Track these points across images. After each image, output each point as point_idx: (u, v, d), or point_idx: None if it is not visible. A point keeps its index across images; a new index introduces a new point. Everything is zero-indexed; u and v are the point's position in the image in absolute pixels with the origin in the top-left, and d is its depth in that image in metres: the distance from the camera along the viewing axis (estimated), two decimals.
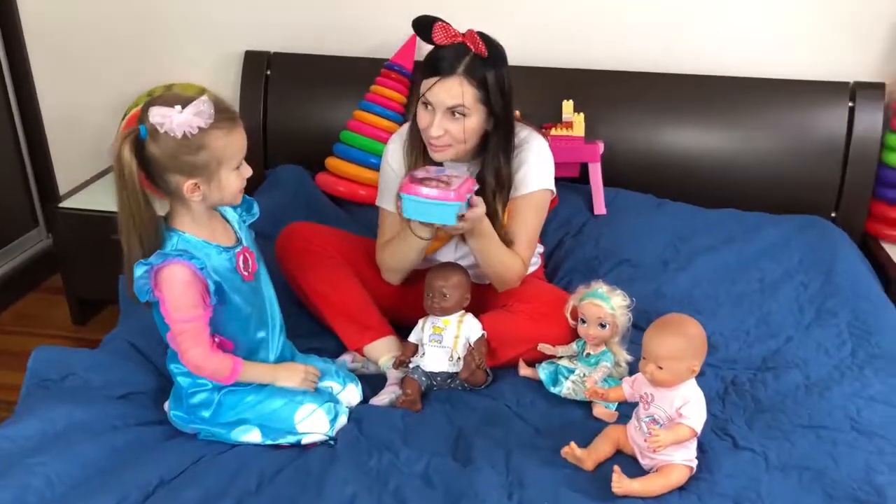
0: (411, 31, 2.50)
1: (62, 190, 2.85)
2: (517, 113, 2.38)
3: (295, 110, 2.63)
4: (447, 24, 1.65)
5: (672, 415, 1.38)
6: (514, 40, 2.50)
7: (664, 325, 1.40)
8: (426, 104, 1.66)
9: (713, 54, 2.47)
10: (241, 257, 1.51)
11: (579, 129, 2.34)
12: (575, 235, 2.26)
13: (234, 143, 1.40)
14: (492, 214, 1.70)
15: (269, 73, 2.64)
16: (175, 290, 1.40)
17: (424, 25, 1.66)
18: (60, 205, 2.58)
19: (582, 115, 2.35)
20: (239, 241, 1.53)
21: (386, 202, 1.84)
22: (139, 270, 1.39)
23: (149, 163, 1.37)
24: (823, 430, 1.50)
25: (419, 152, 1.77)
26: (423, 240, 1.68)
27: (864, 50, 2.41)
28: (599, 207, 2.33)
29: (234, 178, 1.43)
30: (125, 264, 1.44)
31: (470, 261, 1.84)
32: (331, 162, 2.49)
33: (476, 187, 1.62)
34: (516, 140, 1.76)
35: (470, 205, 1.57)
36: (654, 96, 2.45)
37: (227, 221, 1.55)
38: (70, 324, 2.71)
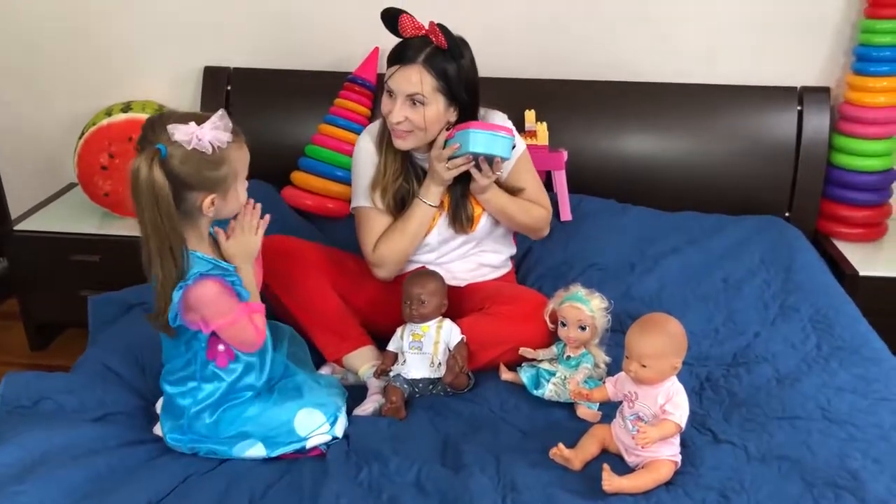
0: (373, 45, 2.56)
1: (14, 212, 2.76)
2: None
3: (257, 126, 2.60)
4: (412, 16, 1.73)
5: (656, 411, 1.41)
6: (477, 51, 2.55)
7: (647, 325, 1.43)
8: (389, 92, 1.74)
9: (669, 63, 2.55)
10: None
11: (543, 137, 2.38)
12: (543, 242, 2.28)
13: (245, 155, 1.44)
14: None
15: (229, 88, 2.62)
16: (213, 301, 1.40)
17: (391, 17, 1.74)
18: (16, 227, 2.51)
19: (545, 124, 2.39)
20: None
21: (365, 200, 1.86)
22: (177, 295, 1.38)
23: (170, 182, 1.34)
24: (798, 420, 1.55)
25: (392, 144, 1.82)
26: (434, 208, 1.80)
27: (810, 56, 2.51)
28: (566, 214, 2.38)
29: (243, 189, 1.46)
30: (159, 293, 1.40)
31: (449, 257, 1.87)
32: (297, 176, 2.47)
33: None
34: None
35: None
36: (613, 104, 2.52)
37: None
38: (27, 350, 2.64)
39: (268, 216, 1.54)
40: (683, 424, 1.41)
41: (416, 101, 1.71)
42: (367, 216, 1.87)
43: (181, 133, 1.32)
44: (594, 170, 2.50)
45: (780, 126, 2.46)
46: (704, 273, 2.12)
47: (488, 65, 2.52)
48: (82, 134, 2.51)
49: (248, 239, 1.50)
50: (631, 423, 1.44)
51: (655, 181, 2.50)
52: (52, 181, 2.76)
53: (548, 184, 2.42)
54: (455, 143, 1.70)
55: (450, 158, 1.73)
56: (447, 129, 1.76)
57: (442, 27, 1.70)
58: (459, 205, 1.83)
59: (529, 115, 2.42)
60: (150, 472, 1.41)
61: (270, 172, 2.53)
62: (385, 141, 1.83)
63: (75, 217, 2.57)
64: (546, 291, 2.08)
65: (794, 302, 1.98)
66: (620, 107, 2.51)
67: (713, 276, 2.11)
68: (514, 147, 1.76)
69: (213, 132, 1.34)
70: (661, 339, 1.40)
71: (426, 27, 1.72)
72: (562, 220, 2.37)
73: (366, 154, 1.86)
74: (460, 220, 1.84)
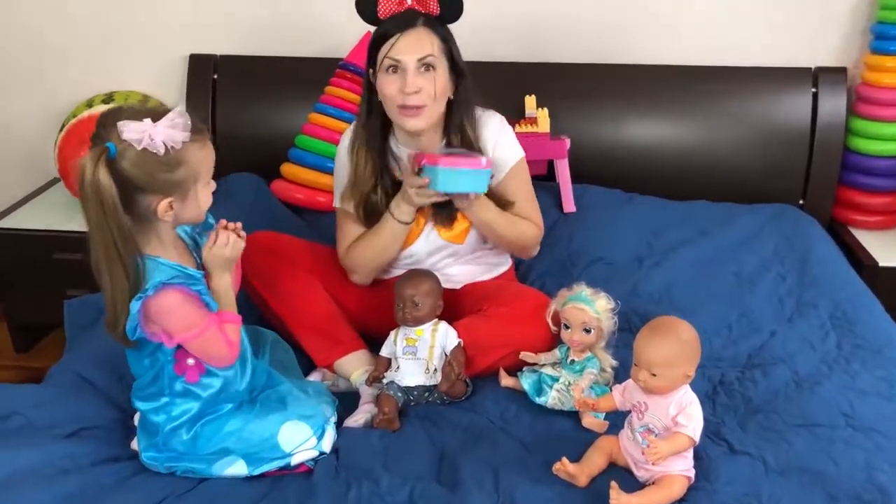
0: (365, 29, 2.43)
1: None
2: None
3: (245, 116, 2.51)
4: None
5: (668, 423, 1.31)
6: (472, 35, 2.45)
7: (656, 330, 1.33)
8: (391, 67, 1.59)
9: (675, 44, 2.43)
10: (208, 280, 1.41)
11: (544, 125, 2.27)
12: (546, 235, 2.15)
13: (208, 155, 1.31)
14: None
15: (216, 77, 2.52)
16: (175, 312, 1.29)
17: (367, 2, 1.61)
18: None
19: (546, 110, 2.28)
20: (198, 262, 1.42)
21: (344, 203, 1.75)
22: (135, 307, 1.26)
23: (118, 184, 1.22)
24: (819, 427, 1.45)
25: (376, 152, 1.70)
26: (405, 225, 1.67)
27: (825, 34, 2.39)
28: (569, 205, 2.27)
29: (207, 193, 1.33)
30: (109, 301, 1.30)
31: (443, 263, 1.77)
32: (287, 168, 2.37)
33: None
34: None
35: None
36: (617, 88, 2.40)
37: (184, 241, 1.43)
38: (12, 351, 2.56)
39: (240, 227, 1.42)
40: (697, 438, 1.30)
41: (429, 66, 1.59)
42: (341, 219, 1.78)
43: (131, 131, 1.20)
44: (598, 158, 2.39)
45: (793, 109, 2.35)
46: (716, 267, 2.02)
47: (487, 49, 2.44)
48: (63, 126, 2.41)
49: (222, 251, 1.38)
50: (640, 436, 1.34)
51: (662, 169, 2.39)
52: (33, 176, 2.66)
53: (550, 173, 2.32)
54: (425, 177, 1.57)
55: None
56: (419, 153, 1.63)
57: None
58: (440, 211, 1.71)
59: (530, 101, 2.31)
60: (123, 494, 1.31)
61: (260, 164, 2.46)
62: (355, 148, 1.71)
63: (58, 214, 2.47)
64: (549, 288, 1.98)
65: (812, 297, 1.87)
66: (625, 91, 2.39)
67: (725, 269, 2.00)
68: (492, 177, 1.64)
69: (168, 131, 1.21)
70: (673, 346, 1.29)
71: (408, 1, 1.61)
72: (565, 211, 2.26)
73: (344, 154, 1.75)
74: (443, 221, 1.72)
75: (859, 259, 2.19)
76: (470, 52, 2.40)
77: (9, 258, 2.42)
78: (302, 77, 2.47)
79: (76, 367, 1.61)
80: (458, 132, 1.70)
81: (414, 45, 1.58)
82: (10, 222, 2.44)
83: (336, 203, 1.79)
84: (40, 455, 1.35)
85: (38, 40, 2.59)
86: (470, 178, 1.57)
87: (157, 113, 1.24)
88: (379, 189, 1.70)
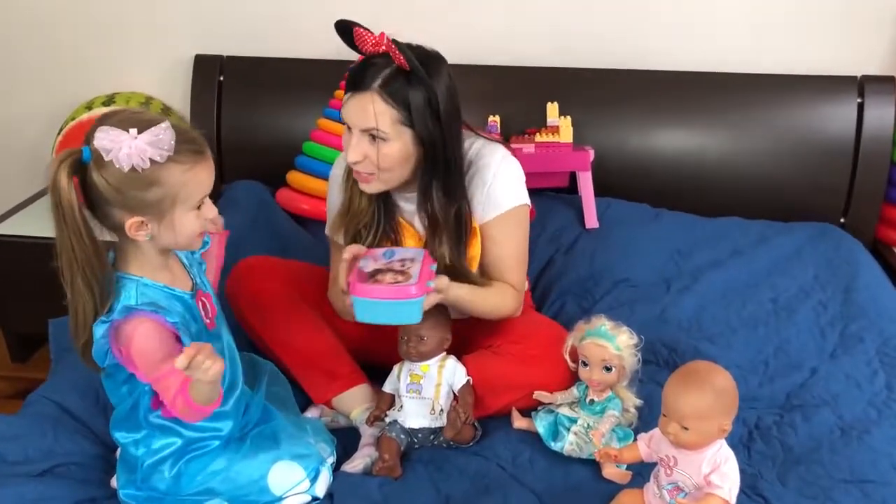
0: (378, 30, 2.31)
1: None
2: (495, 120, 2.19)
3: (252, 120, 2.40)
4: (365, 30, 1.42)
5: (699, 482, 1.17)
6: (494, 38, 2.33)
7: (688, 378, 1.18)
8: (347, 125, 1.44)
9: (709, 48, 2.28)
10: (200, 302, 1.30)
11: (567, 134, 2.13)
12: (566, 252, 2.05)
13: (195, 180, 1.17)
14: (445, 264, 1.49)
15: (221, 78, 2.41)
16: (146, 346, 1.17)
17: (344, 31, 1.45)
18: None
19: (569, 118, 2.14)
20: (194, 282, 1.31)
21: (330, 231, 1.63)
22: (99, 330, 1.17)
23: (90, 190, 1.15)
24: (869, 484, 1.30)
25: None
26: None
27: (872, 41, 2.24)
28: (591, 220, 2.13)
29: (190, 219, 1.20)
30: (71, 312, 1.21)
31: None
32: (293, 176, 2.26)
33: (434, 266, 1.40)
34: (467, 158, 1.53)
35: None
36: (646, 96, 2.26)
37: (179, 258, 1.32)
38: (8, 361, 2.47)
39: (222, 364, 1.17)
40: (733, 501, 1.16)
41: (373, 137, 1.41)
42: (333, 251, 1.65)
43: (103, 139, 1.10)
44: (624, 170, 2.25)
45: (837, 120, 2.19)
46: (750, 292, 1.87)
47: (508, 53, 2.32)
48: (61, 130, 2.32)
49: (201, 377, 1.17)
50: (668, 494, 1.20)
51: (693, 183, 2.25)
52: (31, 181, 2.56)
53: (572, 186, 2.19)
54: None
55: None
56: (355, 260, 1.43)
57: (398, 43, 1.39)
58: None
59: (552, 109, 2.18)
60: None
61: (266, 172, 2.35)
62: (351, 177, 1.55)
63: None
64: (568, 310, 1.85)
65: (857, 330, 1.72)
66: (654, 99, 2.25)
67: (760, 295, 1.86)
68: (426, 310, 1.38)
69: (138, 145, 1.10)
70: (707, 397, 1.14)
71: (378, 41, 1.40)
72: (587, 227, 2.12)
73: (335, 182, 1.61)
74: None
75: None
76: (491, 56, 2.31)
77: (4, 266, 2.33)
78: (311, 80, 2.36)
79: (55, 396, 1.51)
80: (427, 199, 1.49)
81: (359, 114, 1.40)
82: (6, 229, 2.34)
83: (327, 231, 1.66)
84: (9, 498, 1.24)
85: (40, 40, 2.50)
86: (393, 309, 1.32)
87: (148, 123, 1.13)
88: (373, 227, 1.55)
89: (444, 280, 1.42)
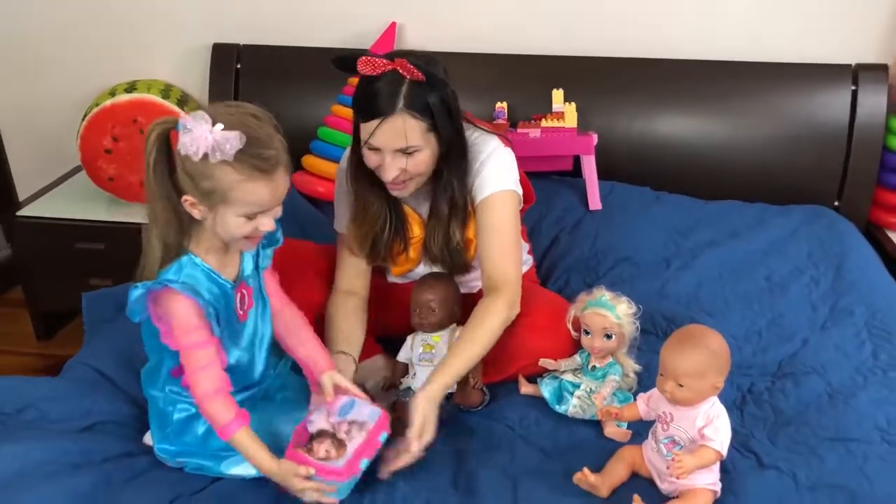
0: (390, 19, 2.40)
1: (21, 196, 2.67)
2: (503, 106, 2.27)
3: (268, 106, 2.34)
4: (371, 57, 1.46)
5: (694, 436, 1.26)
6: (501, 27, 2.41)
7: (684, 339, 1.27)
8: (371, 147, 1.49)
9: (709, 38, 2.36)
10: (239, 294, 1.39)
11: (571, 119, 2.22)
12: (570, 232, 2.14)
13: (246, 189, 1.23)
14: (453, 246, 1.58)
15: (239, 66, 2.49)
16: (180, 314, 1.28)
17: (346, 63, 1.49)
18: (19, 213, 2.42)
19: (573, 104, 2.22)
20: (241, 273, 1.40)
21: (339, 227, 1.70)
22: (136, 293, 1.27)
23: (174, 156, 1.25)
24: (853, 442, 1.39)
25: (378, 188, 1.59)
26: None
27: (866, 30, 2.30)
28: (595, 202, 2.21)
29: (235, 222, 1.27)
30: (141, 260, 1.32)
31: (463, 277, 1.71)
32: (308, 160, 2.34)
33: (386, 434, 1.35)
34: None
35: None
36: (647, 83, 2.34)
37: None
38: (34, 339, 2.56)
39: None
40: (724, 452, 1.25)
41: (407, 152, 1.47)
42: (340, 246, 1.69)
43: (189, 119, 1.19)
44: (626, 155, 2.33)
45: (831, 107, 2.26)
46: (746, 270, 1.95)
47: (513, 41, 2.40)
48: (85, 115, 2.40)
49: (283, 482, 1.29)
50: (665, 448, 1.29)
51: (693, 167, 2.32)
52: (57, 164, 2.66)
53: (576, 169, 2.27)
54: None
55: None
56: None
57: (410, 58, 1.44)
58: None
59: (557, 95, 2.26)
60: (135, 491, 1.30)
61: None
62: (357, 180, 1.59)
63: (80, 203, 2.47)
64: (572, 287, 1.93)
65: (847, 304, 1.80)
66: (655, 86, 2.33)
67: (756, 273, 1.94)
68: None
69: (204, 140, 1.18)
70: (702, 357, 1.24)
71: (390, 61, 1.43)
72: (591, 209, 2.21)
73: (344, 180, 1.65)
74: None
75: None
76: (497, 45, 2.39)
77: (31, 246, 2.42)
78: (325, 68, 2.37)
79: (92, 361, 1.60)
80: (447, 189, 1.57)
81: (392, 138, 1.44)
82: (33, 210, 2.44)
83: (336, 226, 1.72)
84: (52, 451, 1.34)
85: (61, 29, 2.58)
86: (325, 482, 1.28)
87: (243, 129, 1.21)
88: (386, 230, 1.61)
89: (434, 384, 1.41)
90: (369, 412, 1.37)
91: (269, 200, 1.27)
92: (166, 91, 2.46)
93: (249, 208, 1.26)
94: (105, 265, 2.38)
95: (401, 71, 1.43)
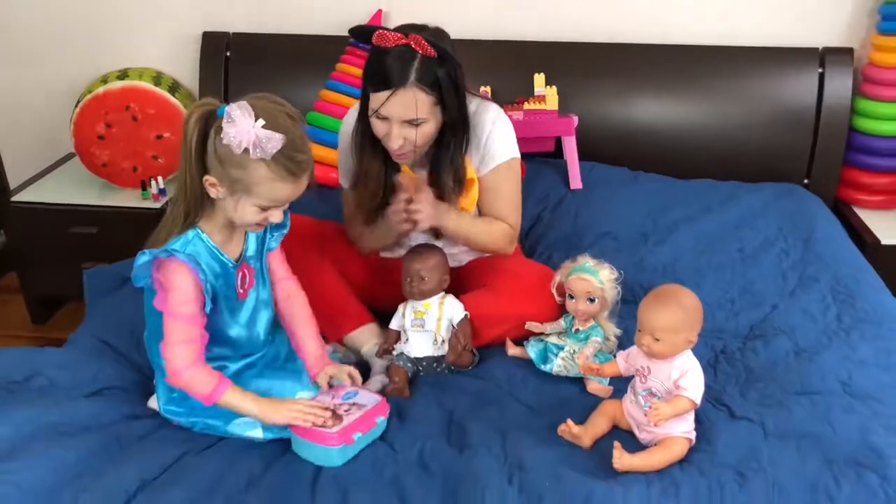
0: (376, 7, 2.47)
1: (12, 183, 2.71)
2: (486, 90, 2.35)
3: (258, 93, 2.52)
4: (385, 30, 1.55)
5: (670, 387, 1.35)
6: (485, 15, 2.49)
7: (660, 297, 1.36)
8: (380, 116, 1.59)
9: (683, 23, 2.45)
10: (241, 273, 1.45)
11: (553, 102, 2.30)
12: (553, 211, 2.22)
13: (272, 187, 1.32)
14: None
15: (228, 54, 2.55)
16: (179, 284, 1.35)
17: (362, 34, 1.59)
18: (13, 198, 2.46)
19: (554, 88, 2.31)
20: (244, 253, 1.46)
21: (345, 182, 1.82)
22: (142, 259, 1.35)
23: (205, 137, 1.32)
24: (817, 395, 1.48)
25: (381, 151, 1.69)
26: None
27: (832, 15, 2.41)
28: (575, 182, 2.30)
29: (253, 212, 1.36)
30: (161, 223, 1.40)
31: (442, 243, 1.79)
32: None
33: (384, 418, 1.43)
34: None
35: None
36: (625, 68, 2.43)
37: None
38: (29, 323, 2.61)
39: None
40: (698, 401, 1.34)
41: (415, 123, 1.57)
42: (345, 197, 1.84)
43: (235, 110, 1.26)
44: (605, 136, 2.42)
45: (800, 89, 2.37)
46: (720, 243, 2.05)
47: (497, 28, 2.47)
48: (78, 102, 2.45)
49: (279, 418, 1.37)
50: (643, 399, 1.38)
51: (669, 148, 2.42)
52: (49, 151, 2.70)
53: (558, 151, 2.35)
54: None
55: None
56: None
57: (423, 33, 1.53)
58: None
59: (539, 80, 2.34)
60: (144, 451, 1.36)
61: None
62: (362, 148, 1.70)
63: (74, 188, 2.52)
64: (555, 262, 2.01)
65: (814, 272, 1.90)
66: (632, 70, 2.42)
67: (729, 245, 2.04)
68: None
69: (247, 136, 1.26)
70: (676, 312, 1.33)
71: (404, 35, 1.53)
72: (572, 188, 2.30)
73: (348, 139, 1.75)
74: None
75: (862, 237, 2.23)
76: (481, 31, 2.46)
77: (26, 231, 2.46)
78: (313, 54, 2.50)
79: (96, 332, 1.66)
80: (449, 159, 1.68)
81: (402, 109, 1.55)
82: (27, 196, 2.48)
83: (341, 181, 1.84)
84: (63, 414, 1.40)
85: (52, 17, 2.62)
86: (314, 451, 1.35)
87: (282, 131, 1.28)
88: (385, 191, 1.71)
89: (446, 213, 1.62)
90: (370, 398, 1.45)
91: (288, 199, 1.37)
92: (158, 78, 2.51)
93: (268, 203, 1.35)
94: (99, 249, 2.42)
95: (414, 46, 1.52)
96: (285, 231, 1.53)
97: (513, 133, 1.76)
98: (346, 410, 1.41)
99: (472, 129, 1.71)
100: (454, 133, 1.66)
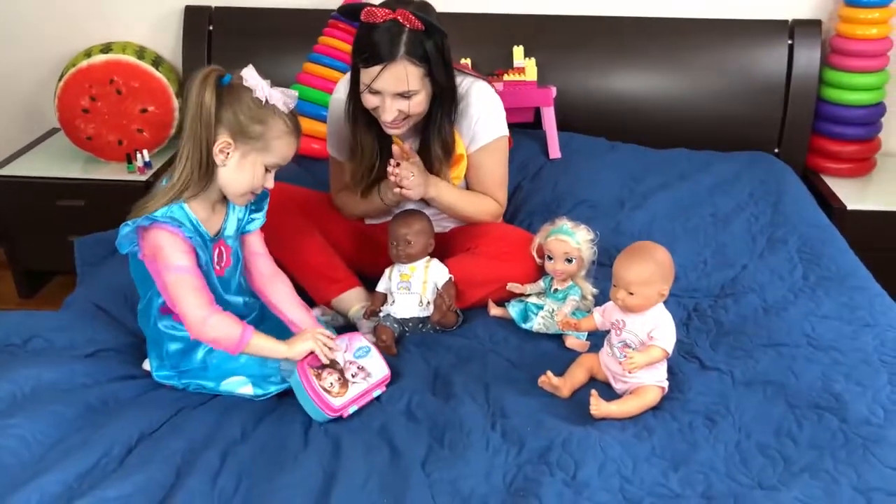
0: None
1: None
2: (467, 63, 2.40)
3: (241, 66, 2.50)
4: (373, 7, 1.60)
5: (644, 338, 1.42)
6: None
7: (633, 252, 1.43)
8: (372, 90, 1.63)
9: None
10: (217, 250, 1.49)
11: (531, 73, 2.35)
12: (532, 179, 2.28)
13: (284, 142, 1.41)
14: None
15: (211, 28, 2.57)
16: (168, 243, 1.39)
17: (351, 12, 1.64)
18: None
19: (533, 60, 2.36)
20: (220, 232, 1.50)
21: (334, 151, 1.88)
22: (125, 230, 1.39)
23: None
24: (783, 347, 1.57)
25: (363, 122, 1.74)
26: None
27: None
28: (554, 151, 2.36)
29: (258, 174, 1.42)
30: (150, 195, 1.43)
31: (431, 212, 1.84)
32: None
33: (381, 391, 1.47)
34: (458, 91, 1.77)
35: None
36: (601, 40, 2.49)
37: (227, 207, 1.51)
38: (16, 297, 2.63)
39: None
40: (670, 350, 1.42)
41: (405, 95, 1.62)
42: (334, 164, 1.90)
43: (251, 75, 1.37)
44: (583, 107, 2.48)
45: (770, 60, 2.44)
46: (693, 208, 2.13)
47: (478, 1, 2.51)
48: (62, 76, 2.46)
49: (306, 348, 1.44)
50: (618, 351, 1.45)
51: (646, 118, 2.49)
52: (34, 126, 2.71)
53: (537, 122, 2.41)
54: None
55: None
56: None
57: (408, 7, 1.57)
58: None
59: (518, 52, 2.39)
60: (141, 406, 1.42)
61: None
62: (356, 121, 1.74)
63: (59, 162, 2.54)
64: (535, 228, 2.06)
65: (782, 234, 1.99)
66: (608, 43, 2.48)
67: (702, 210, 2.11)
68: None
69: (272, 90, 1.36)
70: (649, 266, 1.40)
71: (392, 10, 1.57)
72: (550, 157, 2.36)
73: (339, 109, 1.80)
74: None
75: (829, 203, 2.31)
76: (462, 4, 2.51)
77: (12, 205, 2.48)
78: (295, 27, 2.53)
79: (91, 297, 1.71)
80: (438, 129, 1.74)
81: (393, 82, 1.59)
82: (13, 170, 2.49)
83: (328, 148, 1.89)
84: (62, 372, 1.45)
85: None
86: (310, 404, 1.40)
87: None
88: (378, 164, 1.76)
89: (435, 184, 1.70)
90: (379, 368, 1.49)
91: (289, 157, 1.45)
92: (141, 52, 2.53)
93: (279, 160, 1.42)
94: (86, 222, 2.42)
95: (401, 20, 1.56)
96: (262, 215, 1.56)
97: (502, 111, 1.83)
98: (353, 374, 1.45)
99: (464, 108, 1.77)
100: (442, 103, 1.71)
